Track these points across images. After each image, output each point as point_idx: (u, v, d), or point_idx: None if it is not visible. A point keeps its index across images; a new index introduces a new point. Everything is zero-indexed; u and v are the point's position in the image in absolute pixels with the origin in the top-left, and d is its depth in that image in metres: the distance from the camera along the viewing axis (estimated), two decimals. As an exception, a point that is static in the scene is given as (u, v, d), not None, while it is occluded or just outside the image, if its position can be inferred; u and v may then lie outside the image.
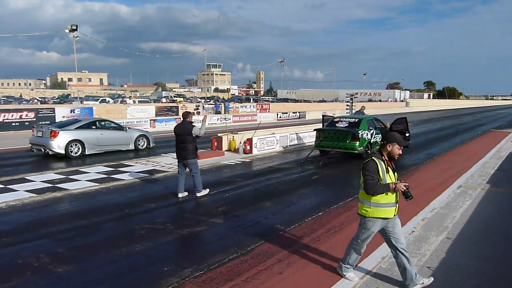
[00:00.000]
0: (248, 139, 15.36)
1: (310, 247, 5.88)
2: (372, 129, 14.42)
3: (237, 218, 7.46)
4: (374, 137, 14.42)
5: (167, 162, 13.16)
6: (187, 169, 8.96)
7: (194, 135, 8.61)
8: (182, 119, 8.97)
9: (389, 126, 14.64)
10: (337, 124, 14.73)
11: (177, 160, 9.01)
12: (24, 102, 37.83)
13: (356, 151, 13.69)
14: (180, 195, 8.76)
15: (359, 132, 13.72)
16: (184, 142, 8.61)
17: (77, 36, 38.22)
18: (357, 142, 13.60)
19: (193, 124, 8.79)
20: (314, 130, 15.40)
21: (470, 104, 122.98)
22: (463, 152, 16.90)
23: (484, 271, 5.15)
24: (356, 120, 14.66)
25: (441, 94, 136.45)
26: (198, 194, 8.78)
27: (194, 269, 5.09)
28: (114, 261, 5.42)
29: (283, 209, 8.29)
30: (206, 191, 8.93)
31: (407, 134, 14.46)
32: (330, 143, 13.90)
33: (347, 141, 13.63)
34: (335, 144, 13.77)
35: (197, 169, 8.83)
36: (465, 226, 6.87)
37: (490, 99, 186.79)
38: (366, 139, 13.95)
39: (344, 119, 15.02)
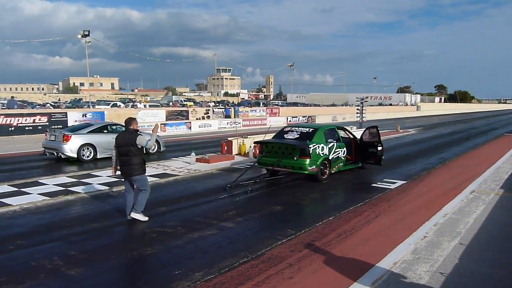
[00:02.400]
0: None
1: (321, 252, 5.85)
2: (332, 142, 11.36)
3: (247, 222, 7.47)
4: (335, 152, 11.41)
5: (178, 166, 13.22)
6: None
7: (139, 146, 7.09)
8: (125, 126, 7.47)
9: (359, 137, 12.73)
10: (285, 135, 11.65)
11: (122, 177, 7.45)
12: (37, 106, 38.35)
13: (306, 172, 10.50)
14: (130, 216, 7.31)
15: (311, 146, 10.61)
16: (127, 154, 7.06)
17: (89, 41, 38.63)
18: (307, 160, 10.42)
19: (138, 132, 7.34)
20: (255, 143, 12.41)
21: (483, 108, 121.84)
22: (475, 157, 16.70)
23: (498, 277, 5.08)
24: (311, 129, 11.52)
25: (452, 98, 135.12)
26: (133, 215, 7.20)
27: (205, 272, 5.10)
28: (125, 264, 5.46)
29: (293, 213, 8.28)
30: (145, 218, 7.25)
31: (379, 148, 12.35)
32: (274, 160, 10.85)
33: (294, 158, 10.48)
34: (279, 162, 10.73)
35: (147, 186, 7.34)
36: (478, 232, 6.78)
37: (503, 102, 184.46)
38: (322, 155, 10.84)
39: (296, 128, 11.87)
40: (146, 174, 7.51)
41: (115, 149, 7.31)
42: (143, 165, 7.27)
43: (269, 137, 12.47)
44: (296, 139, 11.17)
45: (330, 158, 11.15)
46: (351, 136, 12.83)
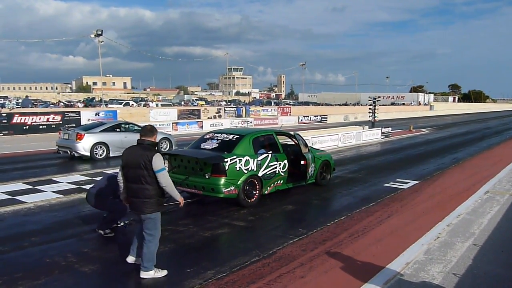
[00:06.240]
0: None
1: (332, 252, 5.84)
2: (264, 153, 8.73)
3: (259, 221, 7.48)
4: (270, 167, 8.67)
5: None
6: None
7: (156, 172, 4.80)
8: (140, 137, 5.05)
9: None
10: (203, 144, 8.84)
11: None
12: (51, 105, 38.88)
13: (220, 195, 7.84)
14: (129, 259, 5.40)
15: (227, 159, 7.91)
16: (137, 181, 4.88)
17: (102, 41, 39.10)
18: (222, 179, 7.80)
19: (157, 149, 5.17)
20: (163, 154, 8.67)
21: (497, 108, 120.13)
22: (490, 157, 16.48)
23: (513, 279, 5.01)
24: (235, 137, 8.70)
25: (466, 98, 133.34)
26: (143, 274, 4.97)
27: (217, 271, 5.12)
28: (138, 262, 5.49)
29: (305, 212, 8.28)
30: (162, 273, 5.04)
31: (302, 162, 9.49)
32: (182, 177, 8.12)
33: (206, 176, 7.91)
34: (186, 180, 8.03)
35: (156, 230, 5.07)
36: (492, 233, 6.70)
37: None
38: (245, 171, 8.14)
39: (219, 135, 9.02)
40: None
41: (120, 170, 5.18)
42: (160, 198, 5.03)
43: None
44: (213, 150, 8.47)
45: (260, 175, 8.45)
46: (297, 144, 9.79)
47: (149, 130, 5.03)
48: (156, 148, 5.12)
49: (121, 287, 4.91)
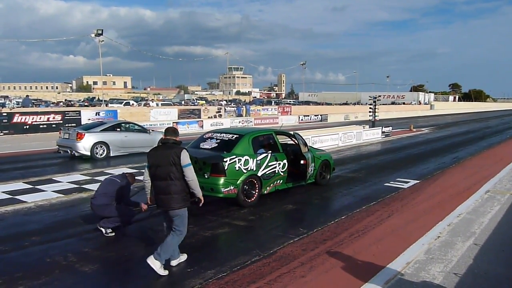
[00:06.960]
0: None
1: (333, 251, 5.83)
2: (264, 153, 8.68)
3: (259, 220, 7.47)
4: (269, 167, 8.64)
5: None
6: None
7: (183, 166, 5.07)
8: (163, 137, 5.32)
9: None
10: (202, 144, 8.80)
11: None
12: (51, 105, 38.86)
13: (219, 195, 7.83)
14: (174, 262, 5.37)
15: (227, 159, 7.89)
16: (166, 178, 5.05)
17: (103, 41, 39.13)
18: (221, 179, 7.80)
19: (181, 147, 5.29)
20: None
21: (498, 107, 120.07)
22: (490, 156, 16.48)
23: (513, 278, 5.00)
24: (234, 136, 8.67)
25: (467, 97, 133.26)
26: (150, 260, 5.01)
27: (217, 270, 5.12)
28: (137, 261, 5.49)
29: (305, 212, 8.28)
30: (164, 272, 5.05)
31: (301, 162, 9.39)
32: None
33: (205, 176, 7.86)
34: None
35: (184, 226, 5.28)
36: (493, 232, 6.69)
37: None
38: (245, 171, 8.13)
39: (218, 134, 8.99)
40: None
41: (146, 170, 5.37)
42: (187, 194, 5.23)
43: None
44: (212, 149, 8.43)
45: (259, 174, 8.42)
46: (297, 143, 9.74)
47: (173, 131, 5.37)
48: (179, 144, 5.39)
49: (121, 287, 4.90)
